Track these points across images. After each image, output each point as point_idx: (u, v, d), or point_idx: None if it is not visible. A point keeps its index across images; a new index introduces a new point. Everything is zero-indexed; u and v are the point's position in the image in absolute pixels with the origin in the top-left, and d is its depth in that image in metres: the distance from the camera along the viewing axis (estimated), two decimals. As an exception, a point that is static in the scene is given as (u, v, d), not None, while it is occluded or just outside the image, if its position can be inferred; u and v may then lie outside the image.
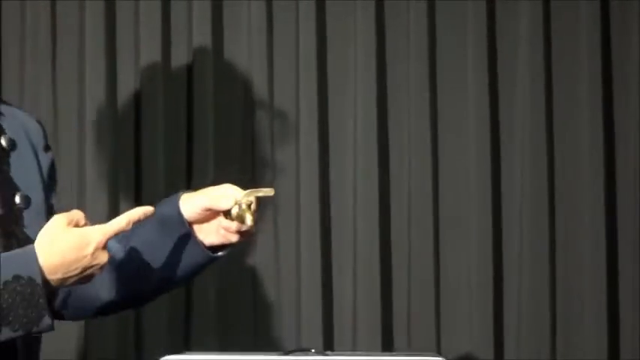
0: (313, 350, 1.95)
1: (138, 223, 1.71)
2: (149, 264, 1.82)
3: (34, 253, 1.62)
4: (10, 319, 1.59)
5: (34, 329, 1.61)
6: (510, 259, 3.03)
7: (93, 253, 1.64)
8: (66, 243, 1.63)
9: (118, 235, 1.71)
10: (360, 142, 2.97)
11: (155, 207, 1.79)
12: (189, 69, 2.96)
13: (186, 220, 1.81)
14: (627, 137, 3.05)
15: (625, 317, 3.02)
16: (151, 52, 2.93)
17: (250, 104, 2.96)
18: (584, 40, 3.01)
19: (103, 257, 1.65)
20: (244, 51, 2.96)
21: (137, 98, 2.94)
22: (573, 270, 3.01)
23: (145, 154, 2.92)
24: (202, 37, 2.94)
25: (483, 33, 2.99)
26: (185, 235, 1.82)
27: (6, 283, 1.60)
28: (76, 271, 1.63)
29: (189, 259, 1.84)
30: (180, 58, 2.95)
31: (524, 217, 3.00)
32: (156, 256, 1.82)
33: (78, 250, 1.63)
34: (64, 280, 1.63)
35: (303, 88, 2.96)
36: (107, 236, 1.65)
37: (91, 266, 1.64)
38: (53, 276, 1.62)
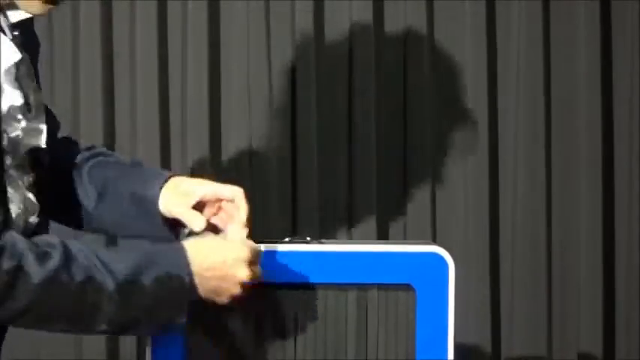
0: (309, 238, 1.95)
1: None
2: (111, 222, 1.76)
3: (185, 251, 1.58)
4: (152, 317, 1.56)
5: (165, 329, 1.60)
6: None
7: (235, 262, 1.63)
8: (212, 244, 1.63)
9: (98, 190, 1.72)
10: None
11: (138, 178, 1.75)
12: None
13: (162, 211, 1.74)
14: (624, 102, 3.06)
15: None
16: (147, 38, 2.90)
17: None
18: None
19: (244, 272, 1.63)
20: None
21: (133, 98, 2.91)
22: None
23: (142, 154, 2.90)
24: (198, 28, 2.91)
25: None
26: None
27: (157, 279, 1.55)
28: (217, 278, 1.61)
29: (148, 229, 1.75)
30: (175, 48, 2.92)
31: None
32: (121, 224, 1.76)
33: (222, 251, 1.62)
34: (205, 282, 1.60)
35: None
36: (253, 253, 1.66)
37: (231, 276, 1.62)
38: (198, 277, 1.59)
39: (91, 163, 1.80)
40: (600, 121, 3.03)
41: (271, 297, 1.84)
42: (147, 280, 1.54)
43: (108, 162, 1.83)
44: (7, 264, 1.45)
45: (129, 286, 1.52)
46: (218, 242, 1.67)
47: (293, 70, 2.95)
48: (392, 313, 1.86)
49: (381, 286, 1.86)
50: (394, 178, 3.00)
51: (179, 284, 1.56)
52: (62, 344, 2.81)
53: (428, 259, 1.85)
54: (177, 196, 1.74)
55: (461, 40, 3.00)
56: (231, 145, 2.95)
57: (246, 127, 2.95)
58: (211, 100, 2.92)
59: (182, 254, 1.58)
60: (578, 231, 3.05)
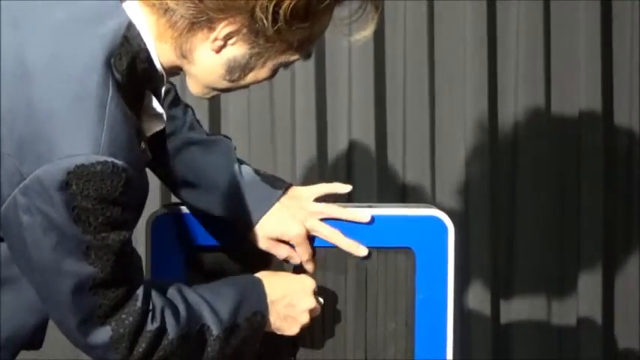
0: (309, 202, 1.95)
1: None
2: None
3: (263, 285, 1.69)
4: (241, 351, 1.65)
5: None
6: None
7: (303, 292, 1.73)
8: (281, 276, 1.75)
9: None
10: None
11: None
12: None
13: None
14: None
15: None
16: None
17: None
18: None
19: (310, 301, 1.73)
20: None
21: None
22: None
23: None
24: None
25: None
26: None
27: (247, 318, 1.65)
28: (285, 306, 1.71)
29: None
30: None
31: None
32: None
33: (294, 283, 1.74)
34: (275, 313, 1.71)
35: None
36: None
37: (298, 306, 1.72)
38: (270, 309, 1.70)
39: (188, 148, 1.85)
40: (601, 120, 3.04)
41: (271, 261, 1.84)
42: (241, 320, 1.64)
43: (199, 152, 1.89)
44: (153, 325, 1.53)
45: (230, 327, 1.62)
46: (286, 274, 1.78)
47: (293, 67, 2.94)
48: (391, 277, 1.86)
49: (380, 250, 1.85)
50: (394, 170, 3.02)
51: (260, 319, 1.67)
52: (62, 344, 2.80)
53: (428, 222, 1.85)
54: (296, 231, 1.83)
55: (461, 40, 2.99)
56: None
57: (246, 124, 2.96)
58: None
59: (262, 290, 1.69)
60: (579, 202, 3.06)
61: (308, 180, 2.94)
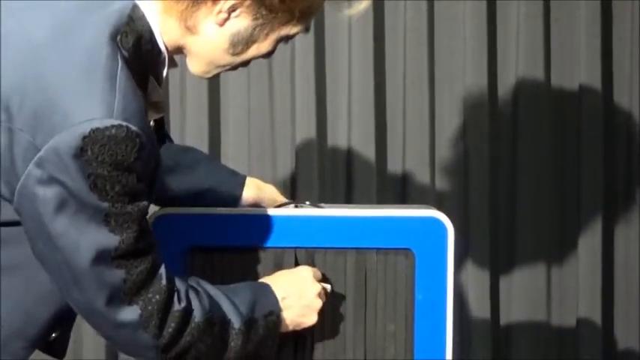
0: (308, 203, 1.95)
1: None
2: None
3: (272, 288, 1.70)
4: (260, 349, 1.67)
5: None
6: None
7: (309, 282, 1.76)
8: (280, 275, 1.76)
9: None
10: None
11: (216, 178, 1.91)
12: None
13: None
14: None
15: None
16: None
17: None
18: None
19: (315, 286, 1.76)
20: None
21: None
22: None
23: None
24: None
25: None
26: None
27: (264, 315, 1.66)
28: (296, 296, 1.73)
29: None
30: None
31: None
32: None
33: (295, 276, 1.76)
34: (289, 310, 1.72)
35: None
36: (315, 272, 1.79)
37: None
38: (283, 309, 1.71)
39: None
40: (601, 122, 3.04)
41: (270, 261, 1.84)
42: (258, 315, 1.65)
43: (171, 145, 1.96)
44: (180, 305, 1.54)
45: (249, 321, 1.63)
46: (282, 272, 1.79)
47: (293, 68, 2.95)
48: (391, 277, 1.86)
49: (380, 251, 1.85)
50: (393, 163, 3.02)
51: (276, 319, 1.68)
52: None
53: (427, 223, 1.85)
54: (263, 198, 1.96)
55: (461, 40, 2.99)
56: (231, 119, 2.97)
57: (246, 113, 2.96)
58: (211, 93, 2.93)
59: (272, 292, 1.70)
60: (578, 202, 3.05)
61: (308, 180, 2.93)
